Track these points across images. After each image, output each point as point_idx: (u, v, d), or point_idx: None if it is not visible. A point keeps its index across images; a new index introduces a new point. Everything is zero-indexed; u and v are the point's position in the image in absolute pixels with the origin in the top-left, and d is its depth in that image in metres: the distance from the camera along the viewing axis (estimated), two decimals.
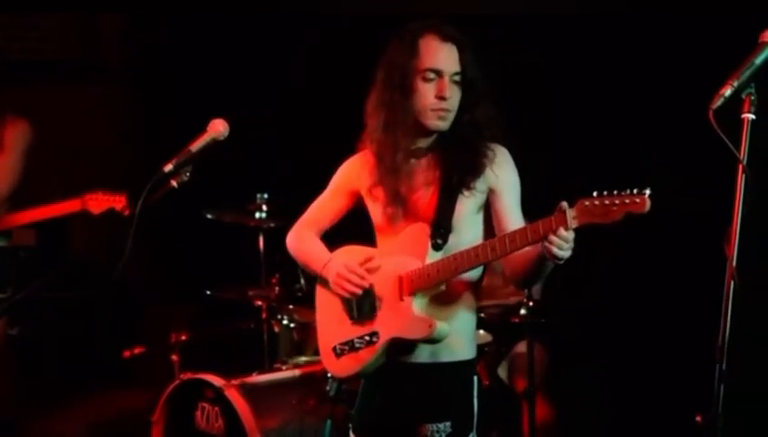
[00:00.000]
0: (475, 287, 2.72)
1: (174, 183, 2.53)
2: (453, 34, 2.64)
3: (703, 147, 2.32)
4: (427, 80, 2.61)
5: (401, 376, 2.68)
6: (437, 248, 2.60)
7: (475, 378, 2.68)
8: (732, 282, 2.12)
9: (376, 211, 2.76)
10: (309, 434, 3.94)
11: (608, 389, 4.69)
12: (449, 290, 2.63)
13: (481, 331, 4.44)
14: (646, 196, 2.19)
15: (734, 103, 2.17)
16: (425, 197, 2.67)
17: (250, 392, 3.96)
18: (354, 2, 4.98)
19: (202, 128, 2.60)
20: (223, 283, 4.65)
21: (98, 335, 6.31)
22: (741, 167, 2.14)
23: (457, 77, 2.62)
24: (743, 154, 2.14)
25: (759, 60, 2.17)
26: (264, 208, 4.56)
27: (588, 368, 4.75)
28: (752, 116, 2.17)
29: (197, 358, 4.40)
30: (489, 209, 2.69)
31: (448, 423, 2.61)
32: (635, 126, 4.50)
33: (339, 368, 2.76)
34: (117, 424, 5.55)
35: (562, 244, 2.30)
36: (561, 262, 2.35)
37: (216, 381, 4.01)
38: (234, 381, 4.01)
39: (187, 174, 2.54)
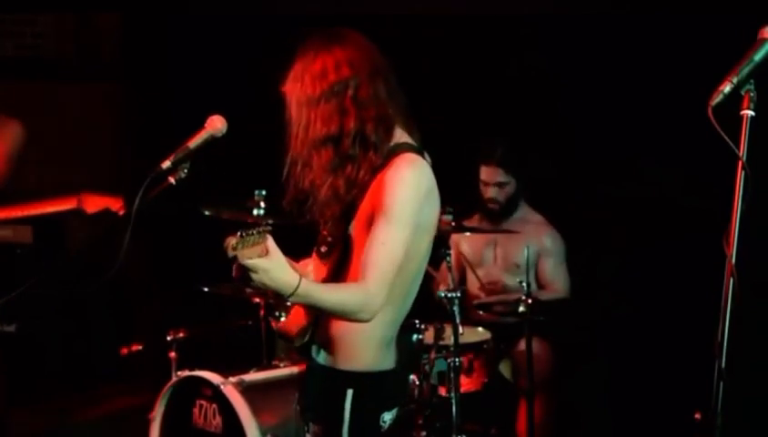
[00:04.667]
0: None
1: (171, 180, 2.53)
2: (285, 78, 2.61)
3: (703, 144, 2.32)
4: None
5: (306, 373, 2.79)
6: (322, 256, 2.66)
7: (350, 391, 2.55)
8: (732, 280, 2.11)
9: None
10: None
11: (609, 386, 4.70)
12: None
13: (480, 328, 4.44)
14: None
15: (734, 100, 2.16)
16: None
17: (248, 390, 3.96)
18: (354, 2, 4.96)
19: (200, 125, 2.60)
20: (220, 280, 4.64)
21: (95, 333, 6.31)
22: (740, 164, 2.12)
23: (304, 105, 2.60)
24: (743, 151, 2.13)
25: (758, 56, 2.16)
26: (262, 204, 4.55)
27: (590, 366, 4.75)
28: (751, 113, 2.15)
29: (194, 355, 4.39)
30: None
31: (320, 427, 2.63)
32: (636, 125, 4.51)
33: None
34: (115, 422, 5.55)
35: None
36: (255, 288, 2.37)
37: (213, 378, 4.01)
38: (231, 379, 4.00)
39: (185, 171, 2.54)
